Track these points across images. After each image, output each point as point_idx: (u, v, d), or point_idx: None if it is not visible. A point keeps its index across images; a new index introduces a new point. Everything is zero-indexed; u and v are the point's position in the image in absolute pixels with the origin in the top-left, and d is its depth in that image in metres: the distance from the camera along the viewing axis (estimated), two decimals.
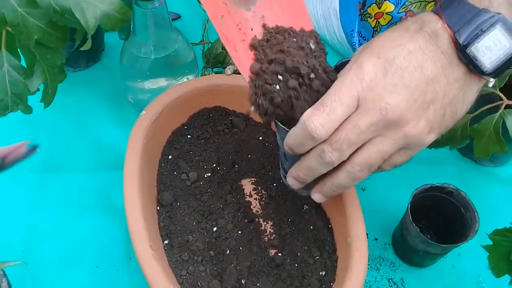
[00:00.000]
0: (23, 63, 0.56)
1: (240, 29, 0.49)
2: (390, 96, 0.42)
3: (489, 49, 0.42)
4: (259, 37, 0.49)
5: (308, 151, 0.45)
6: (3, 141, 0.70)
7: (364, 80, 0.42)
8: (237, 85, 0.66)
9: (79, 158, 0.73)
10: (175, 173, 0.63)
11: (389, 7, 0.74)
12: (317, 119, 0.42)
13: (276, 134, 0.49)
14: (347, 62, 0.72)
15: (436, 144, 0.62)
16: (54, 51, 0.56)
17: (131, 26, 0.66)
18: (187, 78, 0.73)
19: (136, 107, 0.77)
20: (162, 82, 0.72)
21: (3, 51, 0.53)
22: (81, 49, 0.63)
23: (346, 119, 0.43)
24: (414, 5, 0.73)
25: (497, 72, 0.43)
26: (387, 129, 0.43)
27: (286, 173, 0.51)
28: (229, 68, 0.69)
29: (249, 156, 0.66)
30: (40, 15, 0.50)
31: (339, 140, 0.43)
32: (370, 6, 0.76)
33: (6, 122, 0.72)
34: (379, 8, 0.75)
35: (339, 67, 0.72)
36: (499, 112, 0.58)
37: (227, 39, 0.48)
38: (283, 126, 0.47)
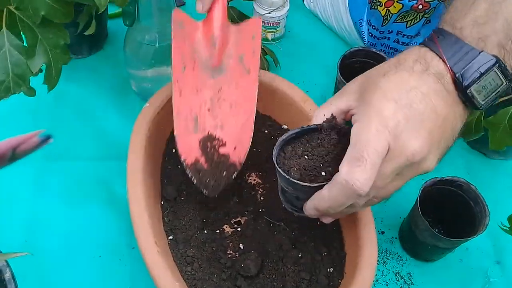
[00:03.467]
0: (25, 43, 0.55)
1: (193, 85, 0.56)
2: (415, 141, 0.43)
3: (485, 88, 0.45)
4: (208, 100, 0.58)
5: None
6: (4, 129, 0.71)
7: (389, 127, 0.43)
8: None
9: (82, 147, 0.72)
10: (179, 167, 0.62)
11: None
12: (362, 175, 0.42)
13: (280, 182, 0.49)
14: (355, 51, 0.71)
15: None
16: (57, 30, 0.55)
17: (136, 12, 0.65)
18: None
19: (140, 96, 0.76)
20: (166, 70, 0.71)
21: (4, 30, 0.52)
22: (85, 33, 0.61)
23: None
24: None
25: (487, 107, 0.46)
26: (408, 169, 0.44)
27: (295, 207, 0.51)
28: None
29: (254, 150, 0.65)
30: None
31: None
32: None
33: (7, 109, 0.71)
34: None
35: (348, 57, 0.71)
36: None
37: (177, 82, 0.56)
38: (304, 183, 0.46)
